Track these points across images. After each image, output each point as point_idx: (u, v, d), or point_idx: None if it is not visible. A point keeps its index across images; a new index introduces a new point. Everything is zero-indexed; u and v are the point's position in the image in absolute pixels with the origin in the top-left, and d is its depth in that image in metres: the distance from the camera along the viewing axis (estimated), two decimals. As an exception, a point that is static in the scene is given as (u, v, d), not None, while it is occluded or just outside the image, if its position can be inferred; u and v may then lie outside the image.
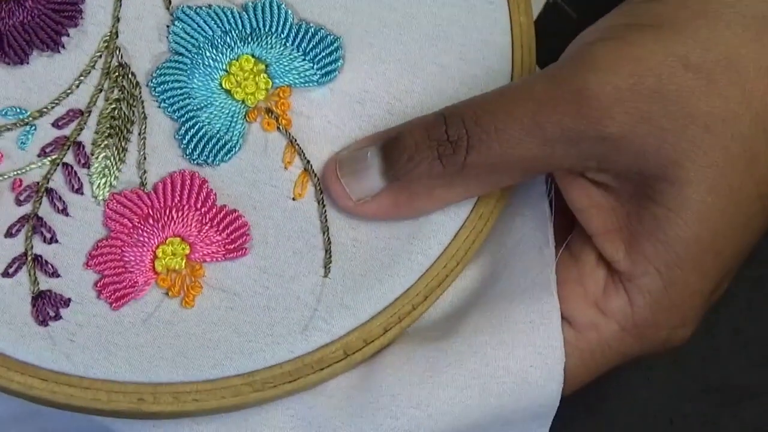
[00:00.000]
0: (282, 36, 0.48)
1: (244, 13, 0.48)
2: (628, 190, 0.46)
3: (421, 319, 0.48)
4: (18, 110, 0.46)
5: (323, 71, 0.48)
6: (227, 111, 0.47)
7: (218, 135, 0.47)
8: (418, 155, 0.46)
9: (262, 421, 0.46)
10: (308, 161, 0.47)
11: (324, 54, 0.48)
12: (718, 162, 0.45)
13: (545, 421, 0.48)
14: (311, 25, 0.49)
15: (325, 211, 0.47)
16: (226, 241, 0.46)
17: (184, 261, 0.46)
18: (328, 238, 0.47)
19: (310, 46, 0.48)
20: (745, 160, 0.45)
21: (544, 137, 0.45)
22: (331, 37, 0.48)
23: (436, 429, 0.46)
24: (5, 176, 0.46)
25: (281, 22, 0.48)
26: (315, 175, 0.47)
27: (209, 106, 0.47)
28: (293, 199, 0.47)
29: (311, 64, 0.48)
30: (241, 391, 0.45)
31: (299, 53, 0.48)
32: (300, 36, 0.48)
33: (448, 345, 0.46)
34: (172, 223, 0.46)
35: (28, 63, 0.47)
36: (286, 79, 0.48)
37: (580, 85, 0.44)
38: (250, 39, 0.48)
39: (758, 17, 0.45)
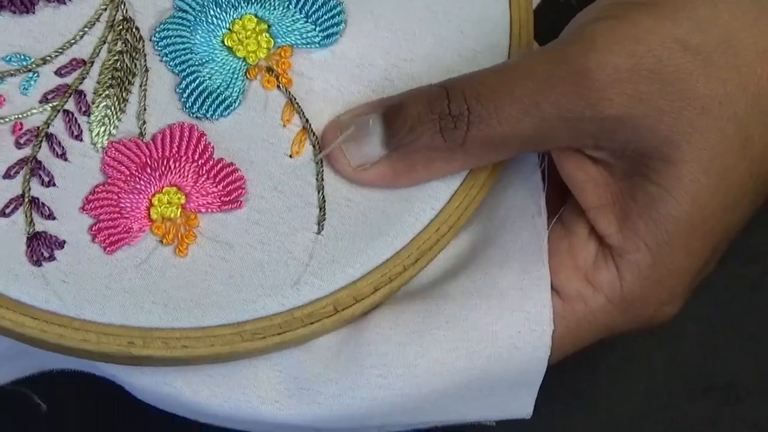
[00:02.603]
0: (285, -2, 0.51)
1: (248, -26, 0.51)
2: (624, 167, 0.48)
3: (412, 283, 0.50)
4: (22, 57, 0.48)
5: (325, 33, 0.50)
6: (228, 67, 0.50)
7: (218, 90, 0.49)
8: (420, 126, 0.48)
9: (250, 375, 0.48)
10: (307, 120, 0.49)
11: (326, 17, 0.51)
12: (713, 143, 0.47)
13: (532, 389, 0.49)
14: (314, -11, 0.51)
15: (322, 170, 0.49)
16: (222, 193, 0.48)
17: (179, 210, 0.48)
18: (323, 197, 0.49)
19: (313, 8, 0.51)
20: (740, 141, 0.47)
21: (542, 117, 0.47)
22: (334, 1, 0.51)
23: (422, 389, 0.48)
24: (6, 119, 0.48)
25: (285, -15, 0.51)
26: (313, 134, 0.49)
27: (211, 62, 0.50)
28: (290, 156, 0.49)
29: (313, 26, 0.50)
30: (230, 340, 0.47)
31: (302, 15, 0.51)
32: (302, -1, 0.51)
33: (437, 307, 0.48)
34: (169, 173, 0.48)
35: (33, 12, 0.49)
36: (288, 39, 0.50)
37: (579, 65, 0.46)
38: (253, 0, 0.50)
39: (757, 0, 0.48)
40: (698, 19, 0.47)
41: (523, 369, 0.49)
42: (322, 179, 0.49)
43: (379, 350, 0.48)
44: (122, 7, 0.50)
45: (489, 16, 0.52)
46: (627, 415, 0.56)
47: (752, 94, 0.47)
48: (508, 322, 0.48)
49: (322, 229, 0.49)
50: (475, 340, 0.48)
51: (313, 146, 0.49)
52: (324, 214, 0.49)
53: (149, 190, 0.48)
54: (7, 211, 0.47)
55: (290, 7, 0.51)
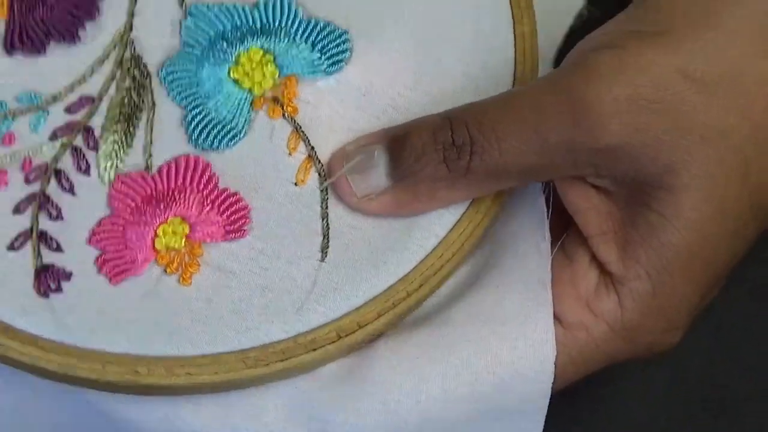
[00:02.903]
0: (291, 30, 0.52)
1: (255, 9, 0.52)
2: (625, 195, 0.48)
3: (419, 310, 0.50)
4: (32, 96, 0.50)
5: (330, 61, 0.51)
6: (234, 99, 0.51)
7: (224, 121, 0.50)
8: (425, 157, 0.48)
9: (257, 404, 0.48)
10: (312, 148, 0.50)
11: (332, 45, 0.52)
12: (713, 173, 0.47)
13: (538, 417, 0.49)
14: (320, 19, 0.52)
15: (326, 197, 0.50)
16: (226, 222, 0.49)
17: (183, 240, 0.49)
18: (327, 224, 0.49)
19: (319, 38, 0.52)
20: (740, 171, 0.47)
21: (542, 147, 0.47)
22: (340, 30, 0.52)
23: (426, 416, 0.48)
24: (16, 156, 0.49)
25: (291, 18, 0.52)
26: (318, 161, 0.50)
27: (217, 94, 0.51)
28: (295, 184, 0.50)
29: (319, 54, 0.51)
30: (234, 367, 0.47)
31: (307, 44, 0.52)
32: (309, 29, 0.52)
33: (440, 333, 0.48)
34: (174, 205, 0.49)
35: (45, 53, 0.51)
36: (294, 68, 0.51)
37: (579, 95, 0.47)
38: (260, 33, 0.52)
39: (760, 28, 0.48)
40: (701, 50, 0.47)
41: (527, 396, 0.48)
42: (327, 207, 0.50)
43: (383, 377, 0.48)
44: (131, 45, 0.51)
45: (494, 46, 0.52)
46: (626, 421, 0.56)
47: (754, 124, 0.47)
48: (511, 347, 0.48)
49: (326, 256, 0.49)
50: (479, 366, 0.48)
51: (319, 174, 0.50)
52: (327, 242, 0.49)
53: (154, 222, 0.49)
54: (16, 245, 0.48)
55: (296, 38, 0.52)
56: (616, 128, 0.46)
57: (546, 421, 0.49)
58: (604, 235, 0.49)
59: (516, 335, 0.48)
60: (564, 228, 0.51)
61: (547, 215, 0.50)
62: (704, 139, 0.47)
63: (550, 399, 0.49)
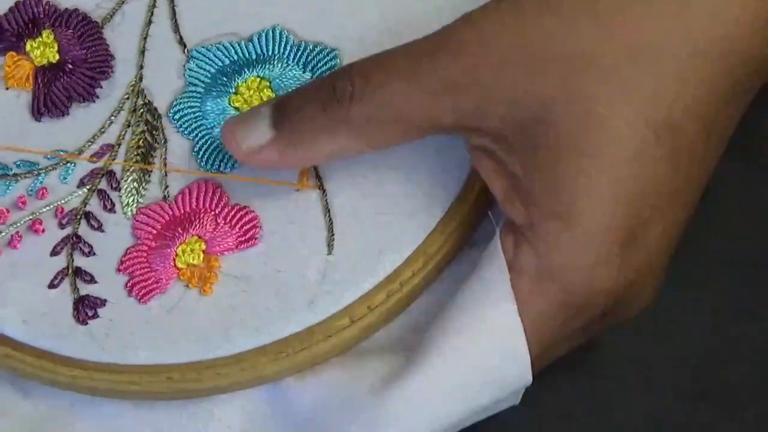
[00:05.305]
0: (284, 56, 0.57)
1: (249, 43, 0.57)
2: (506, 148, 0.49)
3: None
4: (60, 153, 0.56)
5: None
6: (236, 125, 0.56)
7: (229, 146, 0.56)
8: (305, 107, 0.51)
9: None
10: (309, 155, 0.55)
11: (321, 64, 0.57)
12: (582, 96, 0.48)
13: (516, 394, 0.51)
14: (310, 42, 0.57)
15: (326, 195, 0.54)
16: (239, 233, 0.54)
17: (201, 256, 0.54)
18: (330, 219, 0.54)
19: (309, 59, 0.57)
20: (616, 90, 0.48)
21: (422, 88, 0.49)
22: (328, 49, 0.57)
23: (413, 424, 0.51)
24: (50, 206, 0.56)
25: (283, 45, 0.57)
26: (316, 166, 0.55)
27: (221, 122, 0.56)
28: (297, 190, 0.55)
29: (310, 74, 0.56)
30: (257, 362, 0.52)
31: (299, 67, 0.57)
32: (299, 53, 0.57)
33: (417, 351, 0.51)
34: (191, 226, 0.55)
35: (68, 114, 0.57)
36: (288, 90, 0.56)
37: (452, 35, 0.50)
38: (255, 63, 0.57)
39: None
40: None
41: (510, 384, 0.50)
42: (328, 204, 0.54)
43: (371, 395, 0.51)
44: (142, 94, 0.57)
45: None
46: (627, 416, 0.57)
47: (617, 45, 0.48)
48: (484, 351, 0.50)
49: (333, 248, 0.54)
50: (455, 373, 0.50)
51: (317, 176, 0.55)
52: (333, 235, 0.54)
53: (175, 244, 0.54)
54: (56, 282, 0.54)
55: (289, 62, 0.57)
56: (489, 61, 0.48)
57: (539, 413, 0.52)
58: (506, 194, 0.50)
59: (485, 337, 0.50)
60: None
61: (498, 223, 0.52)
62: (570, 66, 0.47)
63: (545, 386, 0.52)
